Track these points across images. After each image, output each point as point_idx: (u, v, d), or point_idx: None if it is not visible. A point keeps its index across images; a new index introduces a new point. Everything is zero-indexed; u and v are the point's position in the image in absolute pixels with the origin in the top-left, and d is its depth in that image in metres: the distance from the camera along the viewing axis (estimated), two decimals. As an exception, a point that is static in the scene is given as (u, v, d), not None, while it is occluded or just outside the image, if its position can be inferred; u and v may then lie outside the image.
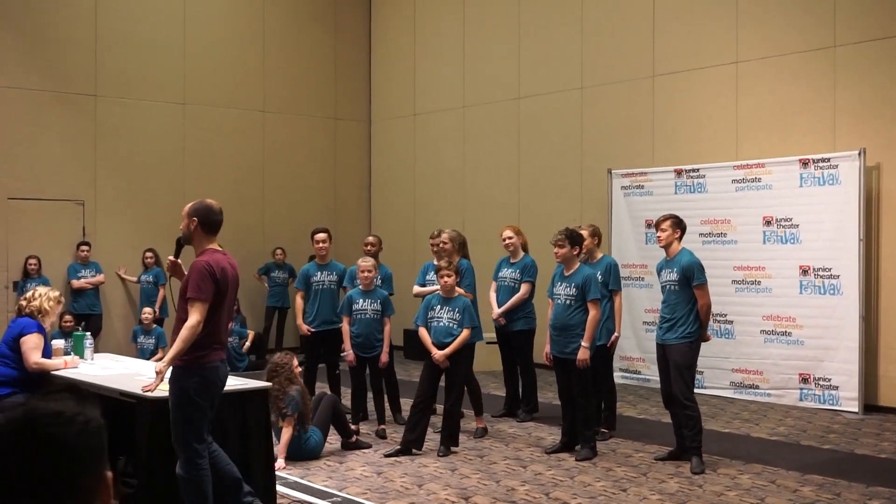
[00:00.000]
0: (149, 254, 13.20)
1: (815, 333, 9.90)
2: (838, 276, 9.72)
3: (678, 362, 7.29)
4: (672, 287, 7.41)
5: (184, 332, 5.14)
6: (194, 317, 5.16)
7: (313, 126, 15.49)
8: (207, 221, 5.45)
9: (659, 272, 7.66)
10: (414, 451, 7.69)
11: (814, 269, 9.92)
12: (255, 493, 5.83)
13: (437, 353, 7.68)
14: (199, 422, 5.27)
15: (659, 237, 7.57)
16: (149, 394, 5.52)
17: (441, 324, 7.78)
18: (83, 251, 12.83)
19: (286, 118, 15.16)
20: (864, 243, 9.59)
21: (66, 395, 1.59)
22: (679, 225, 7.53)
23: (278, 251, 14.35)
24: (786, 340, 10.13)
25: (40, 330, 6.87)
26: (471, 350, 8.13)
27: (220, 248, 5.55)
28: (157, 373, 5.35)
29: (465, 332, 7.72)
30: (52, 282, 12.39)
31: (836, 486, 6.74)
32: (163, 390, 5.88)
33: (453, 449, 7.81)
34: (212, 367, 5.35)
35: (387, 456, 7.63)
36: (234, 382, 6.37)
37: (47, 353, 6.95)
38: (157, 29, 13.93)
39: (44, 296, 7.04)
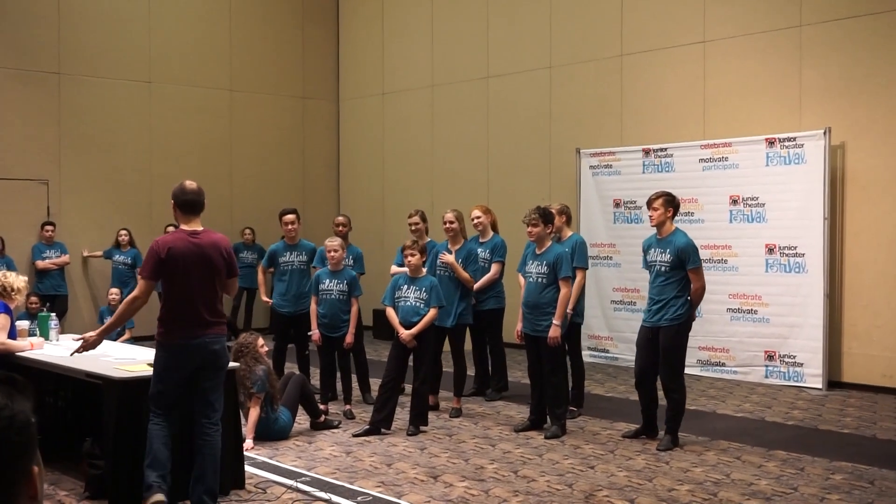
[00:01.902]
0: (123, 232, 13.00)
1: (781, 311, 10.00)
2: (803, 254, 9.82)
3: (667, 346, 7.23)
4: (662, 268, 7.28)
5: (120, 307, 5.65)
6: (133, 292, 5.57)
7: (281, 105, 15.38)
8: (179, 202, 5.62)
9: (647, 249, 7.50)
10: (383, 430, 7.70)
11: (779, 248, 10.01)
12: (224, 475, 5.83)
13: (404, 333, 7.68)
14: (162, 392, 5.47)
15: (651, 216, 7.40)
16: (119, 374, 5.49)
17: (408, 303, 7.78)
18: (48, 231, 12.68)
19: (253, 97, 15.04)
20: (829, 222, 9.69)
21: None
22: (672, 203, 7.38)
23: (247, 231, 14.26)
24: (752, 318, 10.23)
25: (6, 311, 6.76)
26: (461, 330, 8.46)
27: (193, 228, 5.54)
28: (84, 338, 5.71)
29: (432, 312, 7.72)
30: (17, 262, 12.26)
31: (800, 461, 6.83)
32: (130, 370, 5.85)
33: (422, 428, 7.83)
34: (174, 345, 5.41)
35: (356, 436, 7.63)
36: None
37: (13, 334, 6.86)
38: (122, 5, 13.76)
39: (11, 275, 6.95)
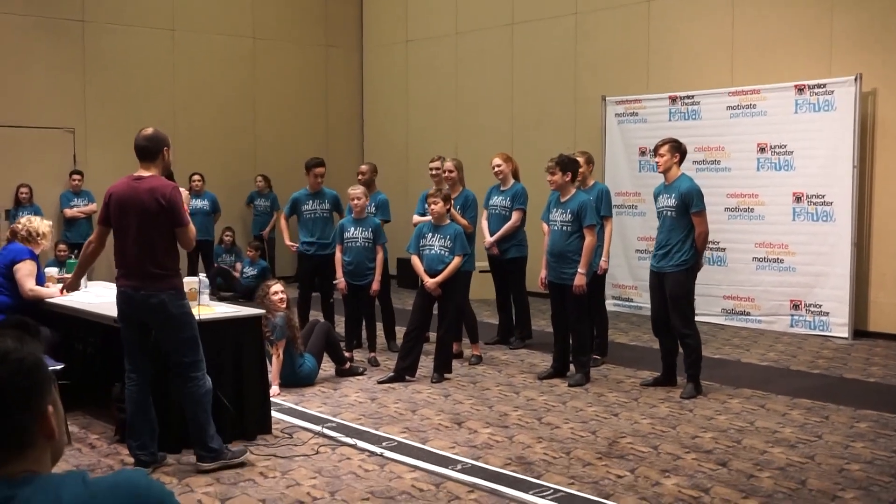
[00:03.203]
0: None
1: (807, 260, 9.93)
2: (831, 202, 9.71)
3: (674, 292, 7.26)
4: (669, 213, 7.33)
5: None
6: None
7: (304, 53, 15.29)
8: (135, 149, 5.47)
9: (656, 197, 7.55)
10: (407, 377, 7.76)
11: (807, 196, 9.91)
12: (251, 421, 5.90)
13: (429, 281, 7.70)
14: (123, 342, 5.51)
15: (657, 162, 7.45)
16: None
17: (433, 251, 7.78)
18: (75, 180, 12.74)
19: (277, 45, 14.96)
20: (858, 170, 9.57)
21: (5, 333, 1.58)
22: (678, 149, 7.41)
23: (259, 179, 14.25)
24: (777, 267, 10.17)
25: (33, 256, 6.84)
26: (466, 278, 8.20)
27: (139, 174, 5.37)
28: (60, 279, 5.95)
29: (457, 260, 7.72)
30: (44, 210, 12.35)
31: (824, 409, 6.83)
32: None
33: (446, 376, 7.88)
34: (119, 293, 5.43)
35: (380, 382, 7.69)
36: (227, 310, 6.40)
37: (40, 280, 6.94)
38: (144, -47, 13.65)
39: (37, 223, 7.01)
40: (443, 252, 7.74)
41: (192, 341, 5.40)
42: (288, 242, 9.57)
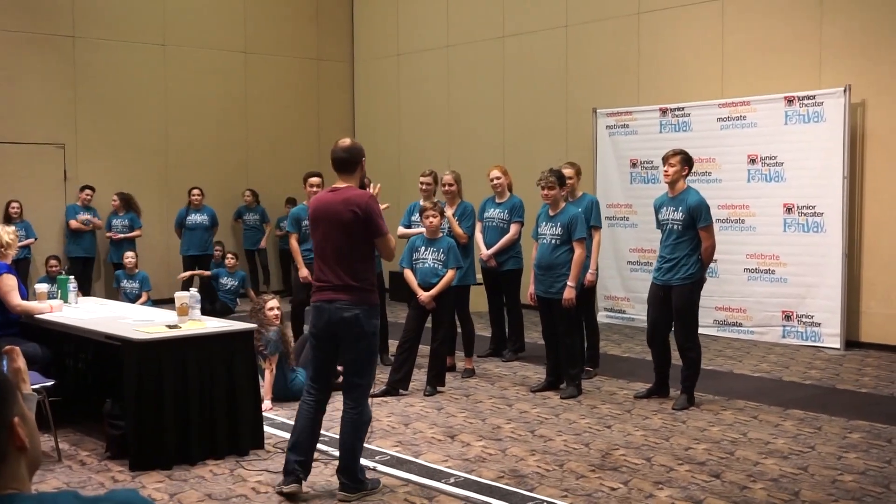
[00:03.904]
0: (115, 198, 12.93)
1: (799, 271, 9.96)
2: (822, 213, 9.75)
3: (680, 305, 7.22)
4: (675, 226, 7.25)
5: None
6: None
7: (296, 67, 15.32)
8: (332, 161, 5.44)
9: (658, 208, 7.47)
10: (400, 391, 7.74)
11: (798, 207, 9.94)
12: (244, 436, 5.88)
13: (423, 295, 7.69)
14: (314, 357, 5.44)
15: (666, 172, 7.34)
16: (138, 335, 5.52)
17: (426, 265, 7.78)
18: (87, 195, 12.68)
19: (268, 59, 14.98)
20: (849, 181, 9.61)
21: None
22: (688, 161, 7.34)
23: (247, 193, 14.25)
24: (769, 278, 10.19)
25: (9, 270, 6.63)
26: (466, 291, 8.38)
27: (342, 185, 5.31)
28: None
29: (451, 273, 7.73)
30: (35, 226, 12.34)
31: (817, 420, 6.84)
32: (149, 332, 5.89)
33: (440, 389, 7.87)
34: (313, 305, 5.35)
35: (373, 396, 7.67)
36: (220, 325, 6.39)
37: (22, 292, 6.74)
38: (135, -32, 13.67)
39: (0, 231, 6.71)
40: (436, 265, 7.74)
41: (371, 364, 5.28)
42: (304, 273, 8.74)
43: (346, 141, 5.35)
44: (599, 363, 8.67)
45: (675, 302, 7.24)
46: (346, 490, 5.22)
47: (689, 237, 7.21)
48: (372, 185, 5.48)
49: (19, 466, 1.57)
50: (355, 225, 5.08)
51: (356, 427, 5.21)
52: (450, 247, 7.80)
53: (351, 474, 5.22)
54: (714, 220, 10.27)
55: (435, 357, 7.88)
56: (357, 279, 5.12)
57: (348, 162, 5.25)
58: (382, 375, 8.26)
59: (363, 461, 5.71)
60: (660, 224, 7.47)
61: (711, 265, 10.52)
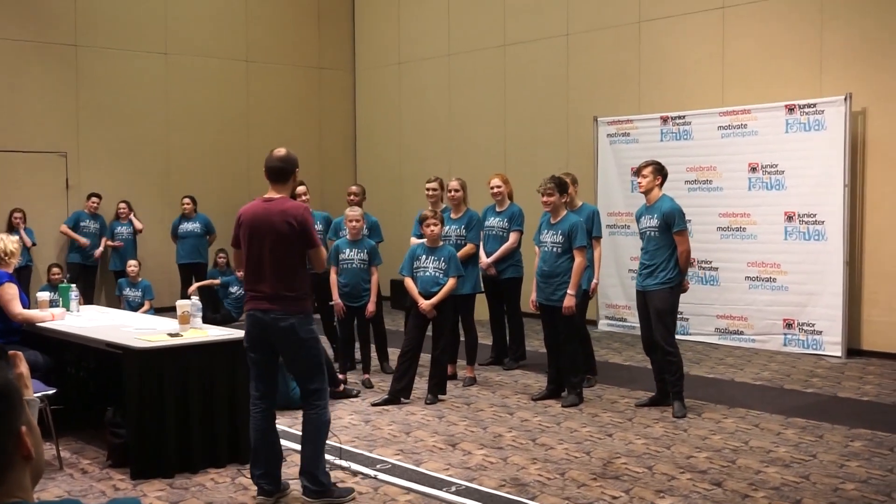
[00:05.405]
0: (122, 205, 13.03)
1: (800, 279, 9.96)
2: (823, 221, 9.75)
3: (658, 308, 7.35)
4: (652, 233, 7.43)
5: None
6: None
7: (297, 75, 15.34)
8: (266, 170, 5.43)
9: (638, 219, 7.68)
10: (402, 399, 7.74)
11: (799, 216, 9.94)
12: (245, 444, 5.88)
13: (424, 303, 7.69)
14: (252, 367, 5.47)
15: (640, 183, 7.60)
16: (139, 344, 5.51)
17: (427, 273, 7.78)
18: (94, 203, 12.71)
19: (270, 67, 15.00)
20: (850, 189, 9.61)
21: None
22: (660, 171, 7.53)
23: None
24: (770, 286, 10.19)
25: (11, 279, 6.65)
26: (470, 299, 8.49)
27: (276, 196, 5.29)
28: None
29: (451, 281, 7.73)
30: (37, 234, 12.36)
31: (818, 428, 6.83)
32: (151, 340, 5.89)
33: (441, 397, 7.87)
34: (248, 314, 5.41)
35: (374, 405, 7.68)
36: (221, 333, 6.39)
37: (23, 300, 6.77)
38: (137, -23, 13.71)
39: (2, 239, 6.71)
40: (437, 274, 7.74)
41: (318, 368, 5.30)
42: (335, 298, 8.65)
43: (282, 150, 5.35)
44: (597, 371, 8.66)
45: (653, 305, 7.37)
46: (307, 494, 5.27)
47: (666, 243, 7.36)
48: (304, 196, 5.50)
49: (24, 475, 1.57)
50: (291, 236, 5.14)
51: (316, 429, 5.27)
52: (450, 255, 7.80)
53: (312, 477, 5.26)
54: (716, 228, 10.49)
55: (436, 365, 7.87)
56: (291, 289, 5.17)
57: (283, 172, 5.28)
58: (383, 384, 8.26)
59: (363, 468, 5.71)
60: (641, 233, 7.64)
61: (713, 273, 10.64)
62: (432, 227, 7.75)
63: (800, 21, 10.23)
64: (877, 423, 6.92)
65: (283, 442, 6.44)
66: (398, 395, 7.73)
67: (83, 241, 12.67)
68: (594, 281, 8.38)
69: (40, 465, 1.63)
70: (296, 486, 5.44)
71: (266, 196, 5.29)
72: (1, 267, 6.64)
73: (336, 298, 8.49)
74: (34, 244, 12.27)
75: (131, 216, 13.11)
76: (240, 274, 12.30)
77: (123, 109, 13.53)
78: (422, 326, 7.83)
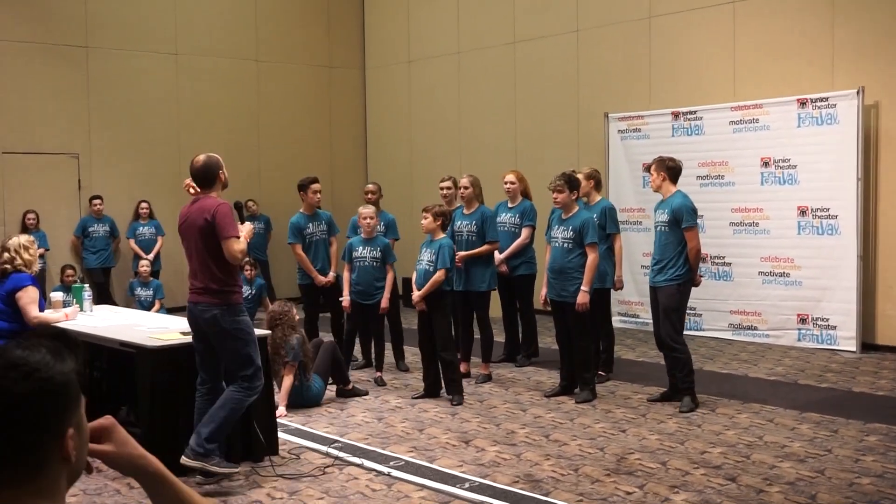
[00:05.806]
0: (144, 205, 13.09)
1: (813, 274, 9.91)
2: (836, 216, 9.70)
3: (666, 304, 7.35)
4: (662, 228, 7.43)
5: None
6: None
7: (307, 74, 15.36)
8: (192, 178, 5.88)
9: (654, 213, 7.70)
10: (441, 393, 7.84)
11: (812, 210, 9.90)
12: (258, 441, 5.90)
13: (413, 296, 7.75)
14: (195, 353, 5.74)
15: (651, 180, 7.64)
16: (152, 343, 5.53)
17: (421, 266, 7.81)
18: (96, 205, 12.74)
19: (280, 67, 15.02)
20: (863, 183, 9.56)
21: (43, 344, 1.50)
22: (663, 166, 7.50)
23: (250, 202, 14.23)
24: (784, 281, 10.15)
25: (34, 283, 6.75)
26: (485, 296, 8.57)
27: (201, 196, 5.70)
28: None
29: (438, 273, 7.63)
30: (50, 236, 12.40)
31: (833, 423, 6.79)
32: (163, 339, 5.90)
33: (458, 395, 7.84)
34: (187, 305, 5.76)
35: (414, 398, 7.81)
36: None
37: (40, 304, 6.87)
38: (147, -22, 13.74)
39: (21, 246, 6.77)
40: (429, 267, 7.73)
41: (247, 357, 5.52)
42: (320, 280, 8.94)
43: (201, 158, 5.71)
44: (613, 367, 8.65)
45: (662, 301, 7.38)
46: (186, 453, 5.41)
47: (675, 239, 7.35)
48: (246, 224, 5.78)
49: (60, 476, 1.51)
50: (208, 230, 5.49)
51: (226, 402, 5.47)
52: (440, 247, 7.71)
53: (198, 437, 5.41)
54: (728, 223, 10.45)
55: (444, 365, 7.79)
56: (215, 281, 5.50)
57: (206, 177, 5.66)
58: (397, 381, 8.25)
59: (377, 465, 5.71)
60: (655, 227, 7.66)
61: (726, 269, 10.60)
62: (422, 220, 7.77)
63: (811, 15, 10.18)
64: (892, 418, 6.88)
65: (293, 439, 6.47)
66: (430, 391, 7.87)
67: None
68: (618, 276, 8.41)
69: (79, 469, 1.57)
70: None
71: (194, 197, 5.71)
72: (27, 270, 6.74)
73: (346, 295, 8.49)
74: (47, 250, 12.30)
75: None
76: (248, 273, 12.40)
77: (134, 110, 13.57)
78: (424, 321, 7.85)
